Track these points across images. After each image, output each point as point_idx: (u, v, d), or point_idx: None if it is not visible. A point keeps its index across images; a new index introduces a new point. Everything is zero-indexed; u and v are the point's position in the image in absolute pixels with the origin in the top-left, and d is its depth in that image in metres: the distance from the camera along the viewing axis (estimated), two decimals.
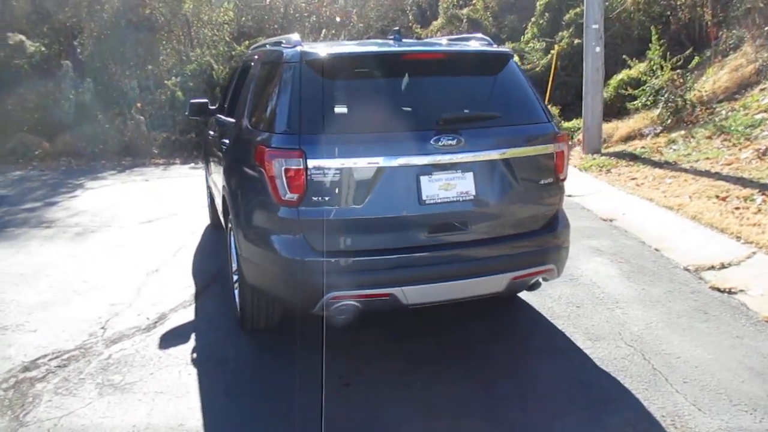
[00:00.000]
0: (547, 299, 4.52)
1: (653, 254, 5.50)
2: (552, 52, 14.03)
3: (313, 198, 3.15)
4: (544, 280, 3.64)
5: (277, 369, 3.60)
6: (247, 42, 14.04)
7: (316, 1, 15.88)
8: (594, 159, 9.43)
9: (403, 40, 3.77)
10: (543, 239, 3.55)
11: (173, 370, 3.58)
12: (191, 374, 3.54)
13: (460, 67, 3.63)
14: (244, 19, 15.98)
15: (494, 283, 3.40)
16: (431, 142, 3.19)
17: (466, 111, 3.42)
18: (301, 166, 3.12)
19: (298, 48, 3.47)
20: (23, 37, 13.31)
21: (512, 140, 3.41)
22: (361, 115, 3.29)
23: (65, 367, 3.64)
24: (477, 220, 3.37)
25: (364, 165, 3.15)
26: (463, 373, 3.52)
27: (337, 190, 3.16)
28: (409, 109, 3.32)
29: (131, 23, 13.08)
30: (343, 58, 3.43)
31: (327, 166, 3.13)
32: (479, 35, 4.04)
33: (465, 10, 18.06)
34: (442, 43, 4.28)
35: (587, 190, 8.12)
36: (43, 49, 13.19)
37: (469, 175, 3.30)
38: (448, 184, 3.26)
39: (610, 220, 6.63)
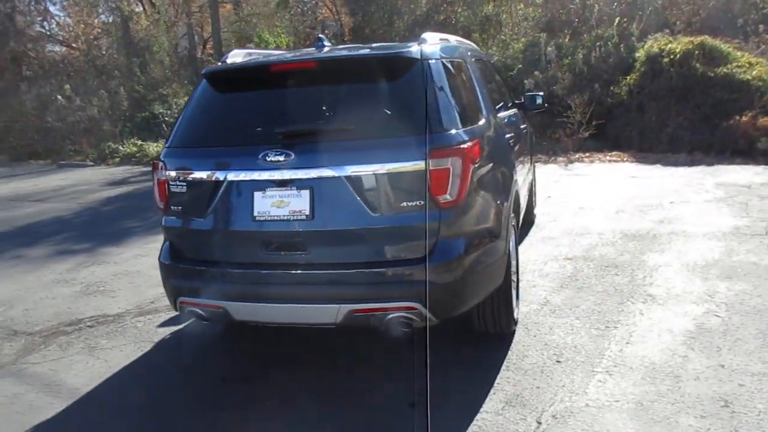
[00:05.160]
0: (537, 345, 3.71)
1: None
2: None
3: (172, 207, 3.36)
4: (412, 320, 3.06)
5: (204, 365, 3.92)
6: (542, 36, 13.71)
7: None
8: None
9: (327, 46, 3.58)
10: (404, 272, 3.00)
11: (139, 345, 4.18)
12: (143, 351, 4.09)
13: (337, 76, 3.29)
14: (551, 14, 15.56)
15: (325, 314, 3.04)
16: (259, 157, 3.07)
17: (300, 123, 3.13)
18: (163, 177, 3.37)
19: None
20: None
21: (362, 156, 2.98)
22: (218, 128, 3.34)
23: (91, 327, 4.58)
24: (312, 242, 3.07)
25: (203, 177, 3.22)
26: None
27: (186, 201, 3.30)
28: (259, 122, 3.23)
29: (423, 31, 14.09)
30: (220, 72, 3.50)
31: (178, 177, 3.29)
32: (428, 34, 3.54)
33: None
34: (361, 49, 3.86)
35: None
36: None
37: (305, 193, 3.04)
38: (281, 202, 3.07)
39: None
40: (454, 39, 4.11)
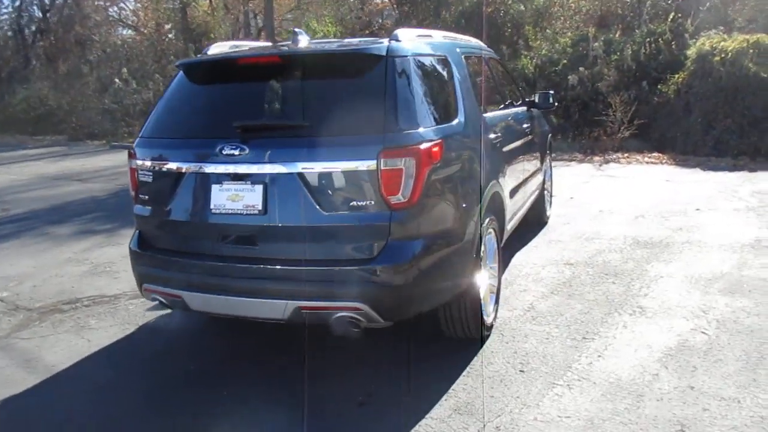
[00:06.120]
0: (505, 352, 3.61)
1: None
2: None
3: (140, 196, 3.44)
4: (359, 321, 3.01)
5: (177, 352, 4.00)
6: (591, 30, 13.29)
7: None
8: None
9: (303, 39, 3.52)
10: (351, 272, 2.96)
11: (124, 327, 4.28)
12: (126, 333, 4.20)
13: (300, 72, 3.24)
14: (605, 7, 15.03)
15: (273, 309, 3.04)
16: (216, 150, 3.08)
17: (258, 118, 3.13)
18: (133, 166, 3.44)
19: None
20: None
21: (316, 153, 2.95)
22: (186, 120, 3.37)
23: (87, 307, 4.73)
24: (264, 237, 3.06)
25: (167, 168, 3.27)
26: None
27: (152, 191, 3.36)
28: (222, 115, 3.23)
29: (470, 23, 13.87)
30: (193, 65, 3.53)
31: (144, 167, 3.36)
32: (402, 31, 3.44)
33: None
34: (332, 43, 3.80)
35: None
36: None
37: (259, 188, 3.03)
38: (236, 195, 3.08)
39: None
40: (439, 35, 4.01)
